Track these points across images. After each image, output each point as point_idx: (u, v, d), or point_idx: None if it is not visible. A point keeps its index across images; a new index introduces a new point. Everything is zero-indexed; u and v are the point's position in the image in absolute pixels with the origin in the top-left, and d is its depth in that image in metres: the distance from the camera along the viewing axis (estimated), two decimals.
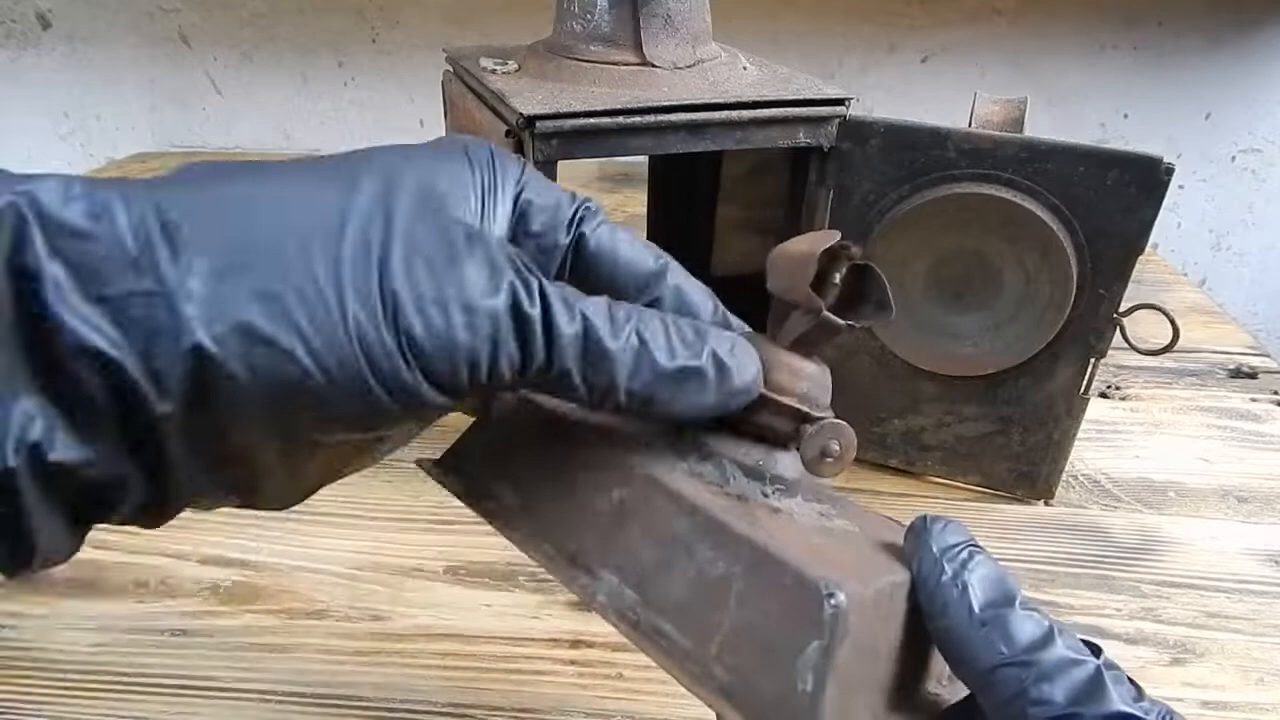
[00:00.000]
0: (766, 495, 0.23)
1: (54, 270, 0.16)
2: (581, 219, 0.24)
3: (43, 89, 1.11)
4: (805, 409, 0.22)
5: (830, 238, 0.22)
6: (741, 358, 0.22)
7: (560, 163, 0.40)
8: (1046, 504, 0.51)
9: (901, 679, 0.21)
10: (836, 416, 0.23)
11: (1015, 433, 0.49)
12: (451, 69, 0.51)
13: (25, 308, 0.16)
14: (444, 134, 0.54)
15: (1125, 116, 1.06)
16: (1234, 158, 1.08)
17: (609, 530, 0.22)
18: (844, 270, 0.23)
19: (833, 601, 0.18)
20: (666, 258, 0.24)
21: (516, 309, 0.19)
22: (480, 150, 0.23)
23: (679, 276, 0.24)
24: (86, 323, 0.16)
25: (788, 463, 0.23)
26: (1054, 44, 1.02)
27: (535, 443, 0.24)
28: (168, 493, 0.19)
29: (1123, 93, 1.04)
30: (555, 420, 0.24)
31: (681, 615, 0.20)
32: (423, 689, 0.37)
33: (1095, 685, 0.19)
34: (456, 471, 0.25)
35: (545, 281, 0.20)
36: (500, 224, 0.22)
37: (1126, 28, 1.01)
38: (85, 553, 0.47)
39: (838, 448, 0.23)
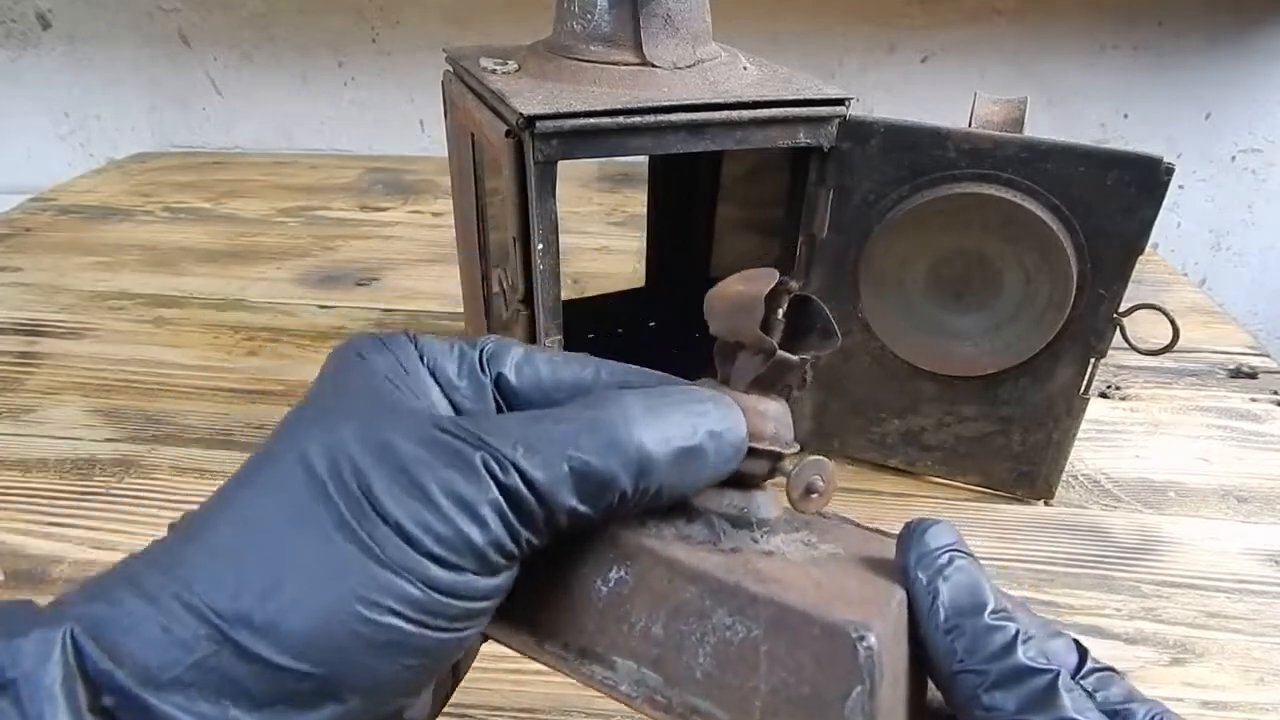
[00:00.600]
0: (756, 541, 0.23)
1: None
2: (490, 359, 0.23)
3: (43, 89, 1.11)
4: (778, 449, 0.23)
5: (770, 277, 0.22)
6: (729, 420, 0.22)
7: (560, 163, 0.40)
8: (1046, 504, 0.51)
9: (912, 690, 0.21)
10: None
11: (1015, 433, 0.49)
12: (451, 69, 0.51)
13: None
14: (445, 134, 0.54)
15: (1125, 116, 1.06)
16: (1234, 158, 1.08)
17: (613, 614, 0.21)
18: (785, 305, 0.23)
19: (865, 644, 0.18)
20: (595, 362, 0.24)
21: (500, 485, 0.19)
22: (358, 343, 0.23)
23: (617, 374, 0.24)
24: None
25: (764, 501, 0.23)
26: (1054, 44, 1.02)
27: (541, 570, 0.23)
28: None
29: (1123, 93, 1.04)
30: None
31: (713, 688, 0.20)
32: None
33: (1048, 694, 0.19)
34: None
35: (496, 445, 0.19)
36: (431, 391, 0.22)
37: (1126, 28, 1.01)
38: (87, 553, 0.47)
39: (822, 483, 0.23)
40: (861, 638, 0.18)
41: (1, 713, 0.16)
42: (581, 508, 0.20)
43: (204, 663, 0.17)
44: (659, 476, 0.20)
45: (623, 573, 0.21)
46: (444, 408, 0.22)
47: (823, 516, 0.26)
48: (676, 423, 0.21)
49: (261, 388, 0.60)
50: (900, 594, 0.21)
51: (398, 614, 0.18)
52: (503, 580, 0.20)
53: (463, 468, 0.19)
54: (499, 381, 0.23)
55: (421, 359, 0.23)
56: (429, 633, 0.19)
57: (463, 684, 0.27)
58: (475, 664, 0.27)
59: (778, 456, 0.23)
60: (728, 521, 0.23)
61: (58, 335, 0.66)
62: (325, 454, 0.19)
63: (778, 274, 0.22)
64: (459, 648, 0.20)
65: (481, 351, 0.23)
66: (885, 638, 0.19)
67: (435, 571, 0.18)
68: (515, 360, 0.23)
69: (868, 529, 0.26)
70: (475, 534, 0.19)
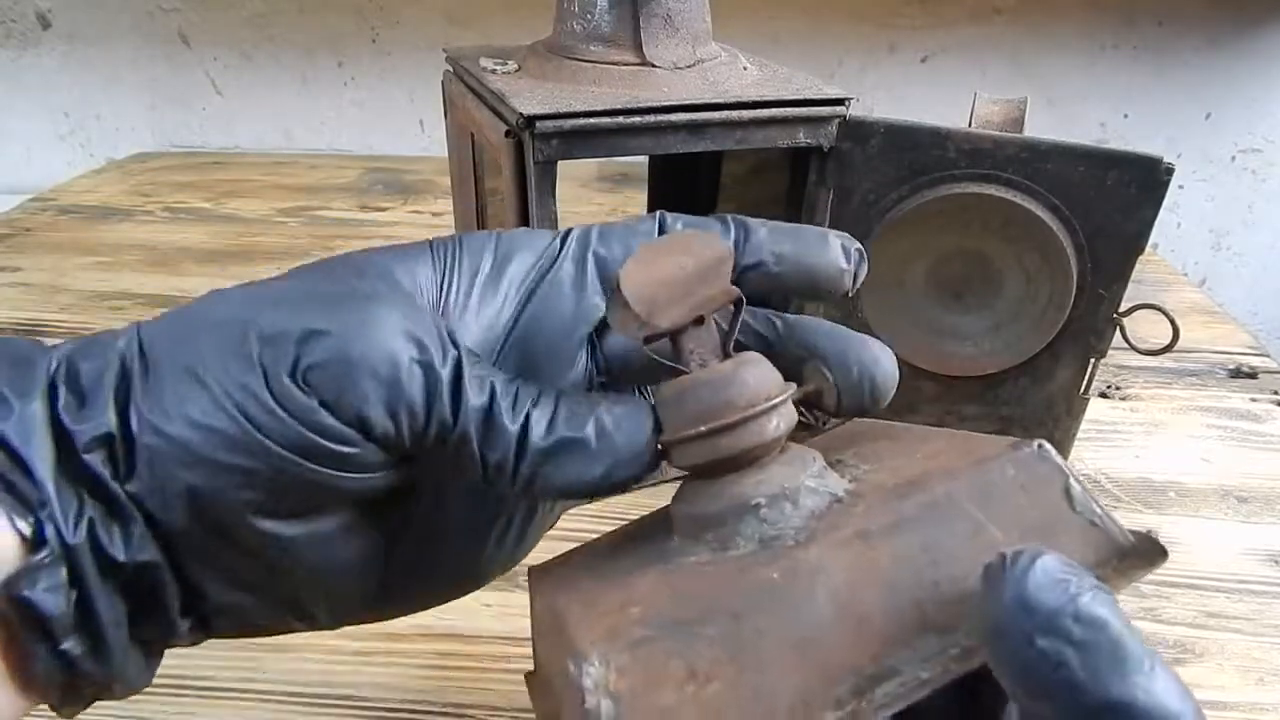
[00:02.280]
0: (849, 477, 0.22)
1: (67, 387, 0.20)
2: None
3: (43, 89, 1.11)
4: (782, 399, 0.21)
5: (706, 238, 0.22)
6: (631, 421, 0.21)
7: (560, 163, 0.40)
8: None
9: None
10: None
11: (1015, 433, 0.49)
12: (451, 69, 0.51)
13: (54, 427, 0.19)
14: (445, 134, 0.54)
15: (1125, 116, 1.06)
16: (1234, 158, 1.08)
17: (846, 630, 0.18)
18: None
19: (1041, 447, 0.20)
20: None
21: (426, 364, 0.19)
22: (446, 240, 0.23)
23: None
24: (90, 421, 0.19)
25: (805, 456, 0.22)
26: (1054, 44, 1.02)
27: (702, 673, 0.18)
28: (203, 594, 0.21)
29: (1123, 93, 1.04)
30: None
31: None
32: (423, 689, 0.37)
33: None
34: None
35: (465, 355, 0.20)
36: (484, 303, 0.23)
37: (1126, 28, 1.01)
38: None
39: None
40: (1039, 444, 0.20)
41: None
42: (471, 441, 0.20)
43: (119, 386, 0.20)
44: (544, 468, 0.20)
45: (822, 591, 0.18)
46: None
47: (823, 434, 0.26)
48: (573, 416, 0.21)
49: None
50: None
51: (242, 409, 0.19)
52: (362, 447, 0.20)
53: (403, 318, 0.20)
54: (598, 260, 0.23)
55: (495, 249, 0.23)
56: (270, 444, 0.19)
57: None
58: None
59: (784, 404, 0.21)
60: (818, 479, 0.21)
61: (58, 335, 0.66)
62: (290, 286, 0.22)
63: (698, 233, 0.22)
64: (312, 489, 0.20)
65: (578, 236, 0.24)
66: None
67: (288, 388, 0.19)
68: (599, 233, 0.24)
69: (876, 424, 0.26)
70: (361, 372, 0.19)
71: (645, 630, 0.18)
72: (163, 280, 0.76)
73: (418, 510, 0.23)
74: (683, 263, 0.21)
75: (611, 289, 0.22)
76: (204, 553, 0.20)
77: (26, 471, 0.18)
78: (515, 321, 0.23)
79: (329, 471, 0.20)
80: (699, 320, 0.21)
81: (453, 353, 0.20)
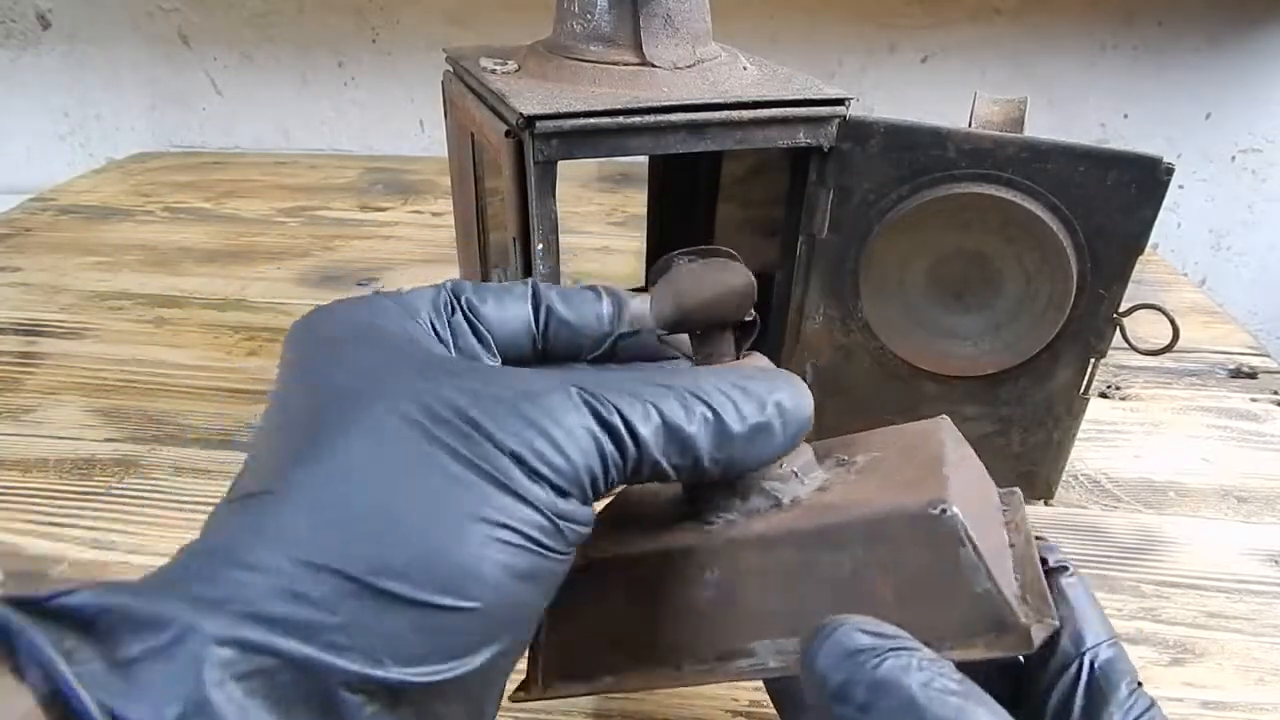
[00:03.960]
0: (805, 485, 0.24)
1: None
2: (462, 295, 0.25)
3: (43, 89, 1.11)
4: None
5: (736, 262, 0.25)
6: (799, 397, 0.23)
7: (560, 163, 0.40)
8: (1046, 504, 0.51)
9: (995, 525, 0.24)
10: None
11: (1015, 433, 0.49)
12: (451, 69, 0.51)
13: None
14: (445, 134, 0.54)
15: (1125, 116, 1.06)
16: (1234, 158, 1.08)
17: (728, 610, 0.23)
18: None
19: (946, 513, 0.20)
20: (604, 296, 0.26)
21: (601, 420, 0.20)
22: (348, 310, 0.23)
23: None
24: None
25: (795, 452, 0.24)
26: (1054, 44, 1.02)
27: (605, 604, 0.24)
28: None
29: (1123, 93, 1.04)
30: (603, 576, 0.24)
31: None
32: None
33: None
34: (561, 678, 0.25)
35: (617, 399, 0.20)
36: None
37: (1126, 28, 1.01)
38: (87, 554, 0.47)
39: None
40: (943, 509, 0.20)
41: (136, 694, 0.15)
42: (665, 464, 0.20)
43: (353, 620, 0.16)
44: (735, 450, 0.21)
45: (715, 573, 0.23)
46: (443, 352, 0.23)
47: (834, 441, 0.28)
48: (755, 398, 0.22)
49: (261, 388, 0.60)
50: (954, 454, 0.23)
51: (531, 539, 0.18)
52: (592, 514, 0.21)
53: (562, 400, 0.20)
54: (477, 315, 0.24)
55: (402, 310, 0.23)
56: (556, 557, 0.19)
57: None
58: None
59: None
60: (776, 481, 0.24)
61: (58, 335, 0.66)
62: (415, 399, 0.19)
63: (733, 253, 0.25)
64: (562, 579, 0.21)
65: (452, 291, 0.24)
66: (960, 497, 0.21)
67: (554, 497, 0.19)
68: (471, 288, 0.25)
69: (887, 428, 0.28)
70: (582, 460, 0.19)
71: (591, 558, 0.24)
72: (163, 280, 0.76)
73: None
74: (702, 283, 0.24)
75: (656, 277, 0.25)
76: None
77: None
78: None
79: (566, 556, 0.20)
80: (722, 326, 0.25)
81: (600, 393, 0.20)
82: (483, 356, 0.24)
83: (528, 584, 0.19)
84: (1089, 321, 0.45)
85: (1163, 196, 0.41)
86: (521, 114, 0.38)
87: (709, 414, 0.21)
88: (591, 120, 0.39)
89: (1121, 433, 0.58)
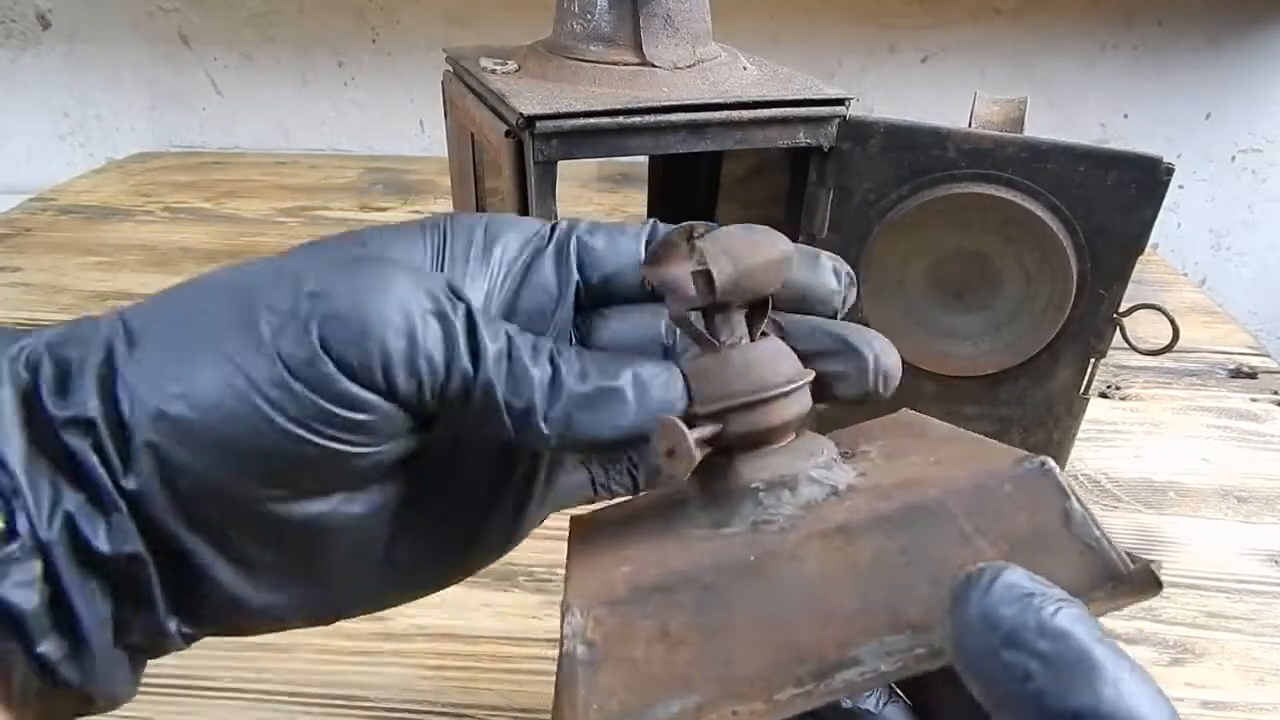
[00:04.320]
0: (847, 472, 0.22)
1: (47, 372, 0.19)
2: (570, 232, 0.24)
3: (43, 89, 1.11)
4: (803, 380, 0.22)
5: (773, 233, 0.22)
6: (664, 379, 0.21)
7: (560, 163, 0.40)
8: None
9: None
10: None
11: (1015, 433, 0.49)
12: (451, 69, 0.51)
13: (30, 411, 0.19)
14: (445, 134, 0.54)
15: (1125, 116, 1.06)
16: (1234, 158, 1.08)
17: (815, 620, 0.19)
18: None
19: (1046, 466, 0.19)
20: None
21: (440, 314, 0.19)
22: (435, 219, 0.23)
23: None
24: (70, 405, 0.19)
25: (816, 445, 0.23)
26: (1054, 44, 1.02)
27: (659, 642, 0.20)
28: (196, 586, 0.20)
29: (1123, 93, 1.04)
30: (647, 608, 0.20)
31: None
32: (423, 689, 0.37)
33: None
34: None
35: (473, 304, 0.20)
36: (474, 279, 0.22)
37: (1126, 28, 1.01)
38: None
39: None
40: (1041, 463, 0.19)
41: None
42: (498, 395, 0.19)
43: (99, 370, 0.19)
44: (571, 407, 0.20)
45: (794, 579, 0.20)
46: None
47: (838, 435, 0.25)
48: (605, 368, 0.21)
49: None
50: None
51: (260, 391, 0.18)
52: (380, 411, 0.19)
53: (411, 275, 0.19)
54: (581, 246, 0.23)
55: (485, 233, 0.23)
56: (290, 427, 0.18)
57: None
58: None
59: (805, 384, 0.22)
60: (823, 470, 0.22)
61: None
62: (304, 261, 0.20)
63: (771, 231, 0.22)
64: (332, 462, 0.19)
65: (568, 226, 0.23)
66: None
67: (322, 364, 0.18)
68: (585, 226, 0.23)
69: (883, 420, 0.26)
70: (376, 319, 0.18)
71: (626, 590, 0.20)
72: (163, 280, 0.76)
73: (418, 483, 0.23)
74: (758, 248, 0.22)
75: (658, 255, 0.23)
76: (221, 546, 0.20)
77: None
78: (504, 300, 0.23)
79: (348, 444, 0.19)
80: (740, 305, 0.22)
81: (462, 305, 0.19)
82: (545, 308, 0.23)
83: (236, 424, 0.18)
84: (1089, 321, 0.45)
85: (1163, 196, 0.41)
86: (521, 114, 0.38)
87: (550, 365, 0.20)
88: (591, 120, 0.39)
89: (1121, 433, 0.58)
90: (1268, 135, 1.06)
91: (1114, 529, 0.49)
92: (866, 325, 0.25)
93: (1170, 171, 0.41)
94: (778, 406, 0.21)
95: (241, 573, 0.20)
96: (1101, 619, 0.18)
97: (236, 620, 0.21)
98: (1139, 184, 0.41)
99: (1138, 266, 0.43)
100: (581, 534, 0.25)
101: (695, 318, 0.22)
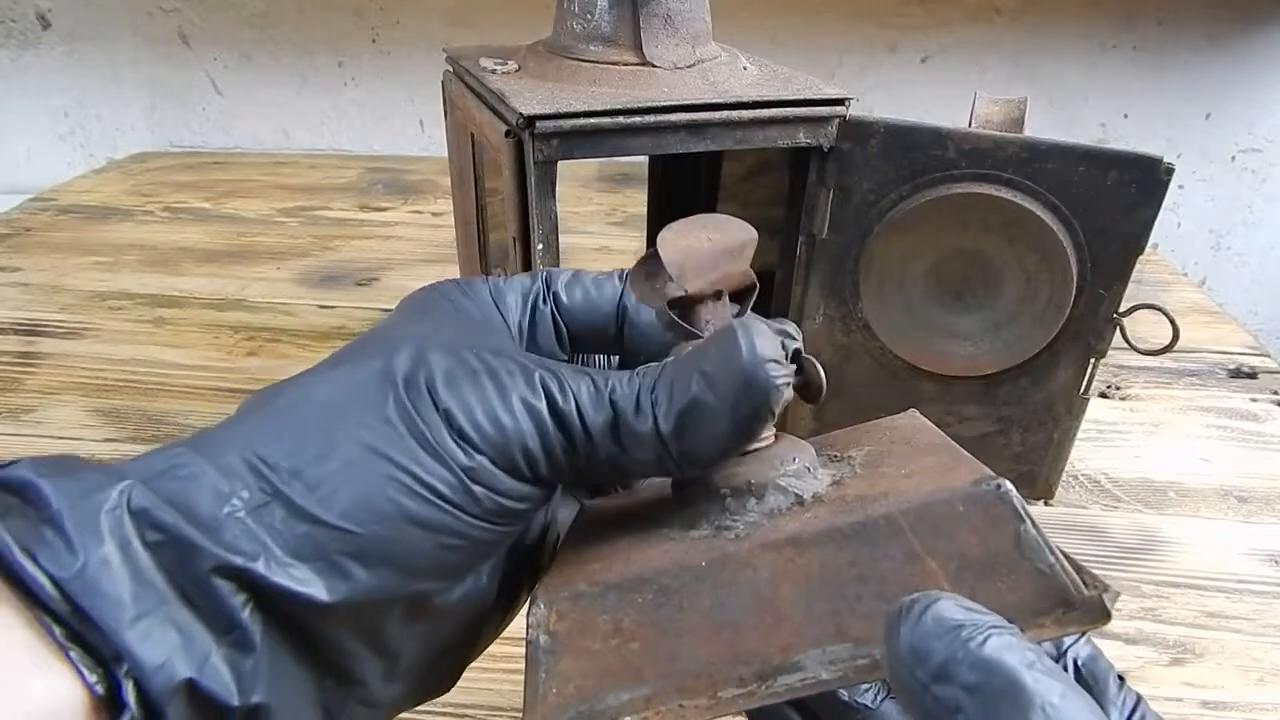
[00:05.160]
0: (819, 480, 0.22)
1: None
2: (547, 281, 0.26)
3: (43, 89, 1.11)
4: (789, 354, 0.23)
5: (733, 222, 0.23)
6: (724, 349, 0.20)
7: (560, 163, 0.39)
8: (1046, 504, 0.51)
9: None
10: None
11: (1015, 433, 0.49)
12: (451, 69, 0.51)
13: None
14: (445, 133, 0.54)
15: (1125, 116, 1.06)
16: (1234, 158, 1.08)
17: (763, 624, 0.20)
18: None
19: (1002, 488, 0.19)
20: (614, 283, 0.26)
21: (552, 403, 0.20)
22: (442, 286, 0.25)
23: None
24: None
25: (792, 453, 0.23)
26: (1054, 44, 1.02)
27: (616, 633, 0.21)
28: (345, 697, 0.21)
29: (1123, 93, 1.04)
30: (605, 601, 0.21)
31: None
32: None
33: None
34: (569, 716, 0.22)
35: (568, 376, 0.21)
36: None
37: (1126, 27, 1.01)
38: None
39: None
40: (997, 485, 0.19)
41: (48, 543, 0.17)
42: (618, 452, 0.21)
43: (253, 511, 0.18)
44: (682, 443, 0.20)
45: (746, 584, 0.20)
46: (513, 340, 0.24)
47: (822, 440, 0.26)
48: (680, 384, 0.21)
49: (261, 388, 0.60)
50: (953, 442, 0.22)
51: (434, 490, 0.19)
52: (531, 494, 0.21)
53: (524, 378, 0.20)
54: (556, 301, 0.25)
55: (492, 297, 0.25)
56: (463, 516, 0.20)
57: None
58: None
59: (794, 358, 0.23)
60: (792, 478, 0.22)
61: (58, 335, 0.66)
62: (409, 358, 0.21)
63: (729, 217, 0.23)
64: (486, 548, 0.21)
65: (545, 281, 0.26)
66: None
67: (475, 458, 0.20)
68: (564, 281, 0.26)
69: (862, 427, 0.26)
70: (515, 431, 0.20)
71: (588, 585, 0.21)
72: (162, 280, 0.76)
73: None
74: (713, 238, 0.23)
75: (639, 261, 0.24)
76: (375, 646, 0.21)
77: (94, 624, 0.17)
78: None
79: (505, 528, 0.21)
80: (717, 295, 0.23)
81: (565, 381, 0.21)
82: (555, 349, 0.25)
83: (421, 531, 0.19)
84: (1089, 321, 0.45)
85: (1163, 196, 0.41)
86: (521, 114, 0.38)
87: (651, 410, 0.20)
88: (591, 120, 0.39)
89: (1121, 433, 0.58)
90: (1268, 135, 1.06)
91: (1114, 529, 0.49)
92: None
93: (1170, 171, 0.41)
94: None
95: (387, 668, 0.21)
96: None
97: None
98: (1139, 184, 0.41)
99: (1138, 266, 0.43)
100: (576, 524, 0.26)
101: (680, 315, 0.23)
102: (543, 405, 0.20)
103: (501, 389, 0.20)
